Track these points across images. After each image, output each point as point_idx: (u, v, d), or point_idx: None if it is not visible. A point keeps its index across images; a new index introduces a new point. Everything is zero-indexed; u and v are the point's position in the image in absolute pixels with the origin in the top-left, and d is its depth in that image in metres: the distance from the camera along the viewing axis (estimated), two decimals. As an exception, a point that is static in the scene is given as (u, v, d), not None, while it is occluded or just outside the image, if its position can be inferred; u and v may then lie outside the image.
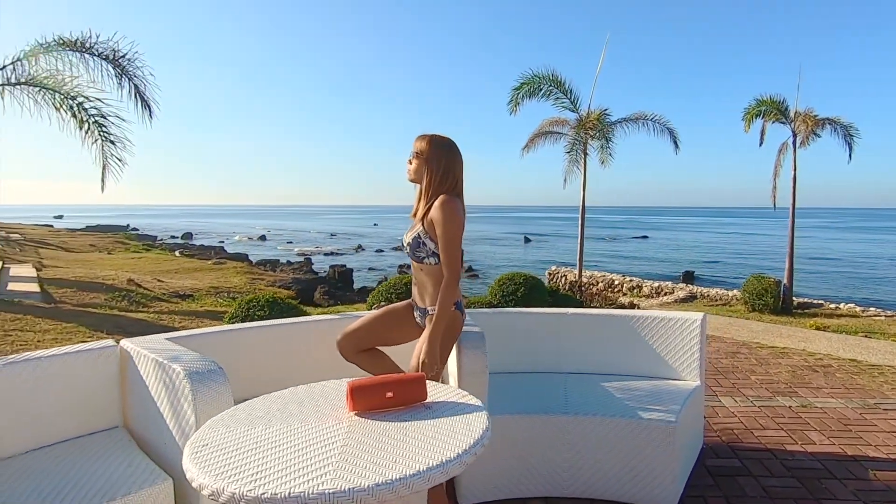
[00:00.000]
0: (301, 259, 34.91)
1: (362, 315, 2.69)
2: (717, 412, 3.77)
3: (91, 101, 4.38)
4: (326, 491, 1.23)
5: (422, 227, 2.31)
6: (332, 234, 69.03)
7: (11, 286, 12.68)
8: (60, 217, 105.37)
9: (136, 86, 4.49)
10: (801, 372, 4.80)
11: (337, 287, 20.82)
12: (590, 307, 8.31)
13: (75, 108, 4.27)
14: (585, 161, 9.74)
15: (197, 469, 1.34)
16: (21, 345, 7.17)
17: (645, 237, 63.95)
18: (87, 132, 4.38)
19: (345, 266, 27.30)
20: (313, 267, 29.73)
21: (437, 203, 2.25)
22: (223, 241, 50.42)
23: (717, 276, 29.65)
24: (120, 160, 4.61)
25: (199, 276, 19.03)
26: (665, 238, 63.20)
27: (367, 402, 1.65)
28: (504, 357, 3.32)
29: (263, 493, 1.22)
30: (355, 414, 1.65)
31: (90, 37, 4.29)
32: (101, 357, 2.45)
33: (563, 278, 14.37)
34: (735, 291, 10.14)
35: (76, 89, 4.28)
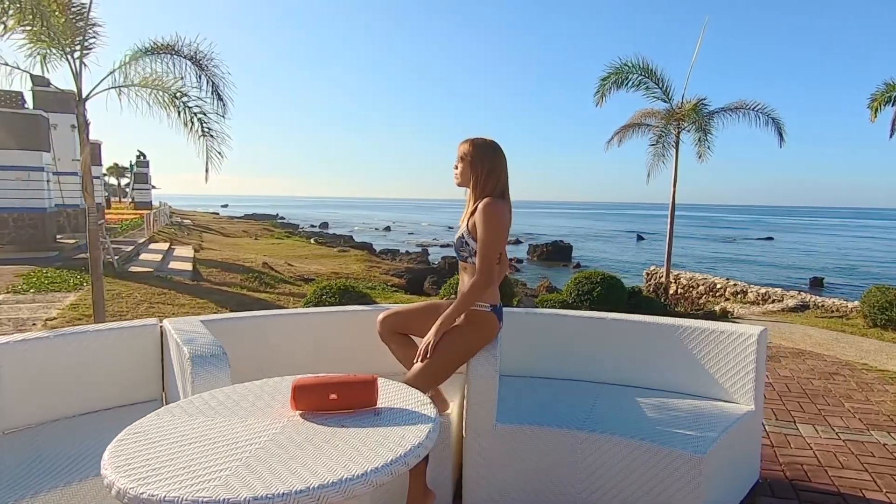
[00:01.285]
0: (419, 250, 35.85)
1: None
2: (790, 442, 3.15)
3: (193, 99, 4.70)
4: (200, 499, 1.11)
5: (466, 228, 2.27)
6: (449, 227, 70.19)
7: (172, 264, 14.35)
8: (226, 206, 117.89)
9: (214, 84, 4.75)
10: (913, 403, 3.90)
11: (446, 278, 21.00)
12: (674, 312, 7.51)
13: (180, 107, 4.60)
14: (677, 155, 8.67)
15: (108, 458, 1.28)
16: (159, 315, 8.02)
17: (770, 238, 57.52)
18: (190, 129, 4.71)
19: (455, 258, 27.53)
20: (429, 257, 30.35)
21: (480, 206, 2.20)
22: (352, 231, 53.25)
23: (851, 286, 25.76)
24: (220, 153, 4.93)
25: (324, 262, 20.25)
26: (793, 241, 56.35)
27: (308, 402, 1.51)
28: (538, 361, 3.03)
29: (142, 493, 1.14)
30: (299, 413, 1.52)
31: (177, 40, 4.60)
32: (143, 335, 2.56)
33: (662, 279, 13.20)
34: (855, 303, 8.64)
35: (182, 90, 4.62)
